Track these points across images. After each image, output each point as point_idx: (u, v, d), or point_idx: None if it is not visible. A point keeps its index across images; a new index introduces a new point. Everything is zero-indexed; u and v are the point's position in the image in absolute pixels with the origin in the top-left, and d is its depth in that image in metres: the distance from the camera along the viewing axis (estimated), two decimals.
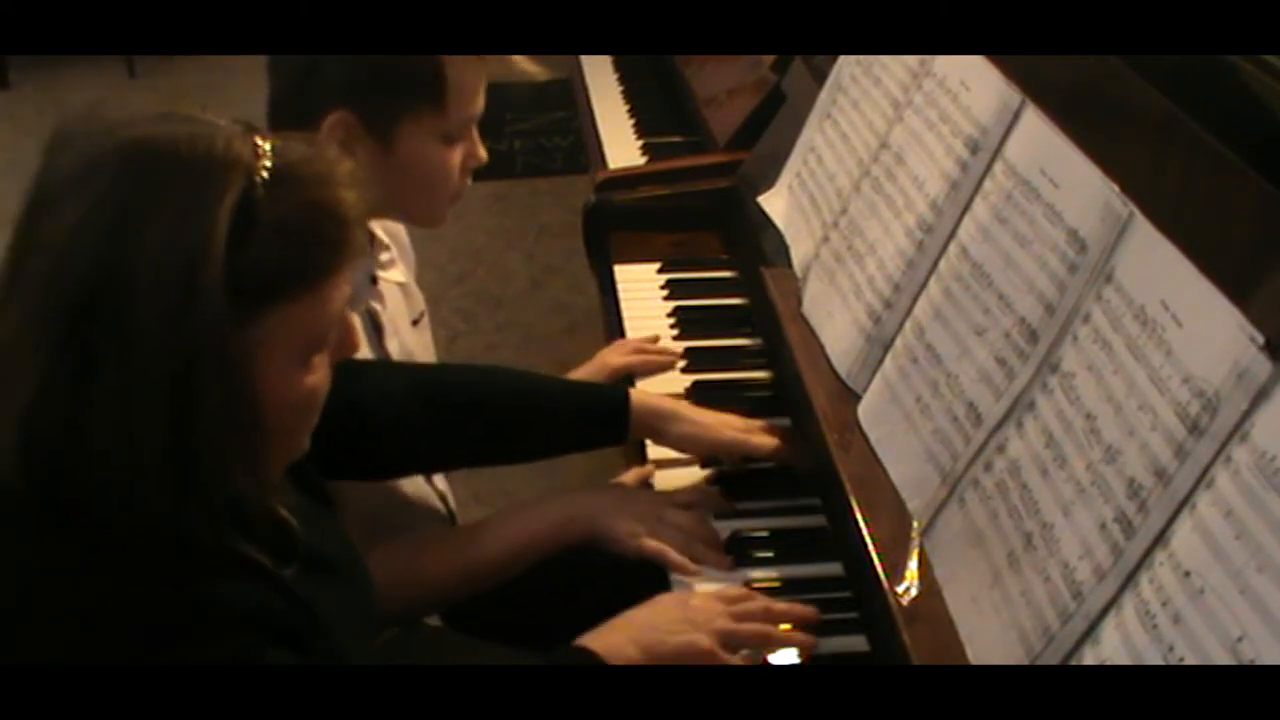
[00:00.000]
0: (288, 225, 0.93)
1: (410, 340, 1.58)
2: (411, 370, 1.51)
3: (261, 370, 0.94)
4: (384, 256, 1.53)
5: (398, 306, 1.56)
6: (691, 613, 1.27)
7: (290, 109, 1.40)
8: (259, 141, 0.95)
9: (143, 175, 0.91)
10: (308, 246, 0.94)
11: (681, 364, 1.75)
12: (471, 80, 1.41)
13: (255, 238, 0.91)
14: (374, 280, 1.50)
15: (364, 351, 1.46)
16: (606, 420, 1.48)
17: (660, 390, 1.68)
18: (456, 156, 1.44)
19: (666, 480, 1.55)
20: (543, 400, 1.48)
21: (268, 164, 0.93)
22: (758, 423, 1.54)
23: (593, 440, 1.52)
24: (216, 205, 0.89)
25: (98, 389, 0.90)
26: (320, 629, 1.05)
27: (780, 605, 1.31)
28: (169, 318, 0.88)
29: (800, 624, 1.30)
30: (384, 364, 1.50)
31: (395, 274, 1.55)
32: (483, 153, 1.48)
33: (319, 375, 1.00)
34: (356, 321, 1.09)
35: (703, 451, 1.54)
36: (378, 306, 1.51)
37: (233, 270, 0.90)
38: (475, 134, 1.47)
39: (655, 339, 1.81)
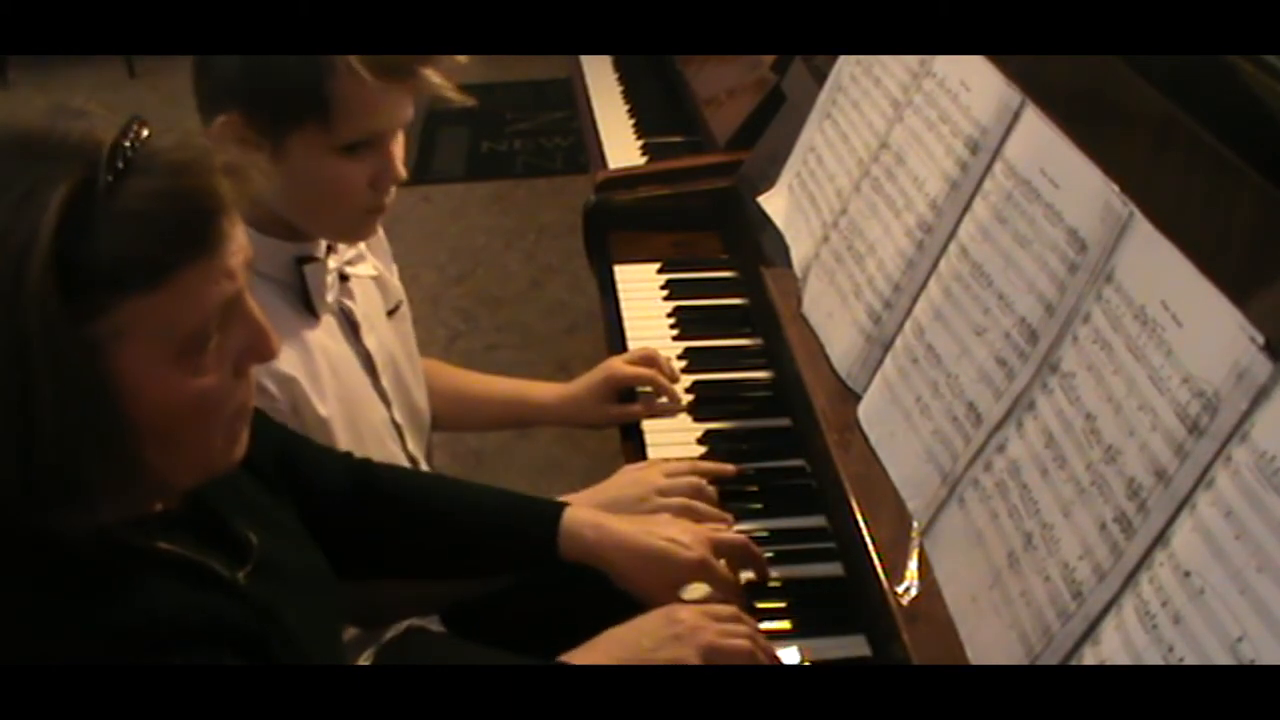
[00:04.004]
0: (136, 214, 0.88)
1: (386, 332, 1.57)
2: (353, 463, 1.39)
3: (122, 367, 0.89)
4: (349, 254, 1.51)
5: (371, 301, 1.56)
6: (678, 628, 1.22)
7: (199, 105, 1.38)
8: (135, 130, 0.90)
9: None
10: (159, 236, 0.88)
11: (682, 364, 1.75)
12: (368, 95, 1.33)
13: (97, 227, 0.87)
14: (345, 278, 1.50)
15: (342, 350, 1.47)
16: (531, 536, 1.34)
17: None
18: (359, 171, 1.38)
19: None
20: (475, 512, 1.37)
21: (126, 153, 0.89)
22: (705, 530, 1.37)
23: (523, 555, 1.37)
24: (50, 193, 0.85)
25: None
26: (279, 630, 1.03)
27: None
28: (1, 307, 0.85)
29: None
30: (327, 451, 1.38)
31: (365, 268, 1.55)
32: (399, 170, 1.41)
33: (213, 378, 0.94)
34: (274, 328, 0.98)
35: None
36: (350, 304, 1.50)
37: (70, 260, 0.85)
38: (392, 149, 1.40)
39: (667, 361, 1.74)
